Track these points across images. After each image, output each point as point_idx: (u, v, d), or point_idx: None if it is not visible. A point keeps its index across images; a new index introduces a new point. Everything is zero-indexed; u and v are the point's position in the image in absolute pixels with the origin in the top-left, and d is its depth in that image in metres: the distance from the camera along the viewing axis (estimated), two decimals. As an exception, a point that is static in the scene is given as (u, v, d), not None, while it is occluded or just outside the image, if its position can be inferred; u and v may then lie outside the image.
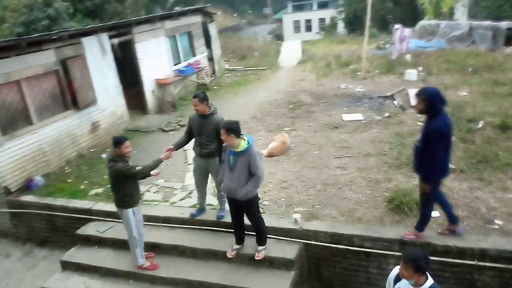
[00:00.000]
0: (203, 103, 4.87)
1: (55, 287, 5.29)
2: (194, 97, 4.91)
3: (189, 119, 5.16)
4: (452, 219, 4.38)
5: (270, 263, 4.74)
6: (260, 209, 4.72)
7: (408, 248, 3.96)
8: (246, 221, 4.69)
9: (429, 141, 3.88)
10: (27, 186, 6.96)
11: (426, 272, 2.84)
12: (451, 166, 5.90)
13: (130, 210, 4.69)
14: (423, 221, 4.33)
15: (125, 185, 4.59)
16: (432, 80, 11.07)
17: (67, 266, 5.58)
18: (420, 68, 12.28)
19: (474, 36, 15.56)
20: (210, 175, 5.24)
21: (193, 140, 5.16)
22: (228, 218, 5.04)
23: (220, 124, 4.45)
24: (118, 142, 4.53)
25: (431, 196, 4.16)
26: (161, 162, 4.79)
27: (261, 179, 4.33)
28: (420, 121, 7.14)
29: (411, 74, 11.51)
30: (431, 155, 3.90)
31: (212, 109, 4.96)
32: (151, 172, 4.67)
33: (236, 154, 4.27)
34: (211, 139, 4.88)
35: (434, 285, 2.85)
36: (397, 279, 3.04)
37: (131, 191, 4.65)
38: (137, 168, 4.62)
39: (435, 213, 4.80)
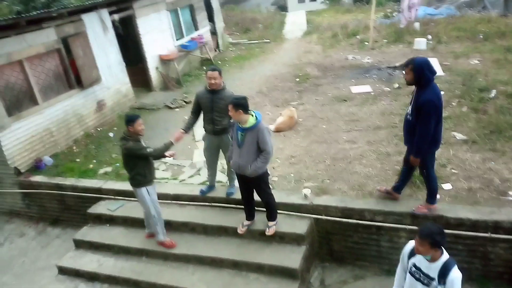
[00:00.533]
0: (221, 77, 4.75)
1: (70, 265, 5.40)
2: (213, 70, 4.71)
3: (197, 96, 4.97)
4: (397, 188, 4.57)
5: (281, 238, 4.76)
6: (269, 185, 4.69)
7: (422, 223, 3.92)
8: (256, 197, 4.68)
9: (421, 113, 3.78)
10: (37, 167, 7.00)
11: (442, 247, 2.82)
12: (462, 137, 5.83)
13: (144, 189, 4.68)
14: (431, 194, 4.30)
15: (137, 165, 4.57)
16: (442, 49, 10.77)
17: (80, 244, 5.67)
18: (429, 37, 11.93)
19: (485, 1, 15.03)
20: (221, 152, 5.16)
21: (201, 118, 5.05)
22: (238, 195, 5.03)
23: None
24: (131, 120, 4.44)
25: (429, 168, 4.13)
26: (172, 144, 4.71)
27: (270, 155, 4.26)
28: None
29: (420, 42, 11.19)
30: (422, 127, 3.82)
31: (223, 84, 4.84)
32: (166, 154, 4.64)
33: (244, 130, 4.19)
34: (223, 114, 4.72)
35: (449, 260, 2.82)
36: (411, 254, 3.01)
37: (144, 170, 4.62)
38: (148, 149, 4.56)
39: (447, 186, 4.76)
